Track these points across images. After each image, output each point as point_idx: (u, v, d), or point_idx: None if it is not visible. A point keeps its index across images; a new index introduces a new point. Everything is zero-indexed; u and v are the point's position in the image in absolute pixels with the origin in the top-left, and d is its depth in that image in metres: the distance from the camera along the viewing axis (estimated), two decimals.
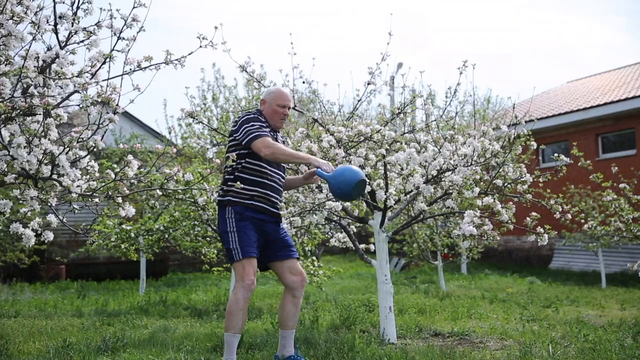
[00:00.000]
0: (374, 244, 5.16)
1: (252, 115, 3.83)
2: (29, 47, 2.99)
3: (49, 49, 3.09)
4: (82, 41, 3.12)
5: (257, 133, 3.70)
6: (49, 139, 2.97)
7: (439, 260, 9.77)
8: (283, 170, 3.99)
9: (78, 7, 3.12)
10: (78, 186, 3.09)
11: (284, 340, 3.90)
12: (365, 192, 3.87)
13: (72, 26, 3.09)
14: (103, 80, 3.07)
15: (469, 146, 4.70)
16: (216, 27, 3.63)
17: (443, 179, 4.76)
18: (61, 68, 2.99)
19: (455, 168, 4.65)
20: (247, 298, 3.61)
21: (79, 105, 2.97)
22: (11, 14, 2.91)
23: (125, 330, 5.33)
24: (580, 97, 15.47)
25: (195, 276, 12.52)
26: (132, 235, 8.26)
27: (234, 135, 3.80)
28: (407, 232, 11.02)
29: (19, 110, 2.89)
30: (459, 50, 43.92)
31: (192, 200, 6.20)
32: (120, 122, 4.16)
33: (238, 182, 3.67)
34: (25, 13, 2.98)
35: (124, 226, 8.01)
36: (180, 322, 6.04)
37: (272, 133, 3.88)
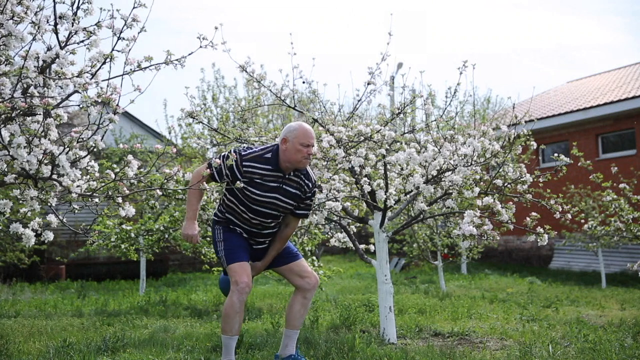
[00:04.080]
0: (374, 244, 5.16)
1: (233, 155, 3.59)
2: (29, 47, 2.99)
3: (49, 49, 3.09)
4: (82, 41, 3.12)
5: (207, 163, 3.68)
6: (49, 139, 2.97)
7: (439, 260, 9.76)
8: (273, 218, 3.78)
9: (78, 7, 3.11)
10: (78, 186, 3.09)
11: (287, 339, 3.91)
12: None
13: (72, 26, 3.08)
14: (103, 81, 3.06)
15: (469, 146, 4.70)
16: (216, 28, 3.63)
17: (443, 179, 4.76)
18: (61, 68, 2.99)
19: (455, 168, 4.65)
20: (242, 301, 3.62)
21: (79, 105, 2.97)
22: (11, 14, 2.91)
23: (125, 330, 5.33)
24: (580, 97, 15.47)
25: (195, 276, 12.52)
26: (132, 235, 8.28)
27: None
28: (407, 232, 11.02)
29: (19, 110, 2.89)
30: (459, 50, 43.93)
31: None
32: (120, 122, 4.17)
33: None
34: (25, 13, 2.98)
35: (124, 226, 8.02)
36: (180, 322, 6.04)
37: (280, 181, 3.69)
